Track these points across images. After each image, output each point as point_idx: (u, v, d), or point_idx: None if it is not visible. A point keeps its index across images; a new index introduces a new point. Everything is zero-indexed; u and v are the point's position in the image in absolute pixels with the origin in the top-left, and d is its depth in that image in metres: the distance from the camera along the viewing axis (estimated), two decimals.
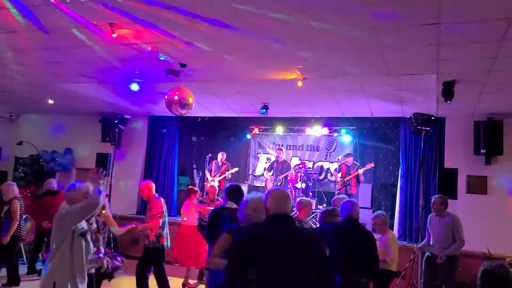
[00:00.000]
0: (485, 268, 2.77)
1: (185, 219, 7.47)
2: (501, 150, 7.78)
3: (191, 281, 7.39)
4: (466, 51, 5.03)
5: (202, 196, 8.82)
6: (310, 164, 11.22)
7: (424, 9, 4.02)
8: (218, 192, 8.77)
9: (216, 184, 9.71)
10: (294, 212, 5.85)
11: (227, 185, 10.23)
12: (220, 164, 10.14)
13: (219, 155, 10.15)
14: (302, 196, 9.68)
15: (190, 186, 8.01)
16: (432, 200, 6.44)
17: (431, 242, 6.40)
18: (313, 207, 9.42)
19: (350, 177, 9.23)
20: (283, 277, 2.56)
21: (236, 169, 10.20)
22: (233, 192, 4.62)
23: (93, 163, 10.00)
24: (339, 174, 9.50)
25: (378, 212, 6.06)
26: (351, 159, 9.55)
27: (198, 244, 7.11)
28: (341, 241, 4.41)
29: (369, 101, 7.85)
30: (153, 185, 6.36)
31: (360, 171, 9.16)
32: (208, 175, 10.24)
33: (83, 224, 3.76)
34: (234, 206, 4.48)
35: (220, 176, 9.95)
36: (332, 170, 11.00)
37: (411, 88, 6.82)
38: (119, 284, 6.32)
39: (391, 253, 5.46)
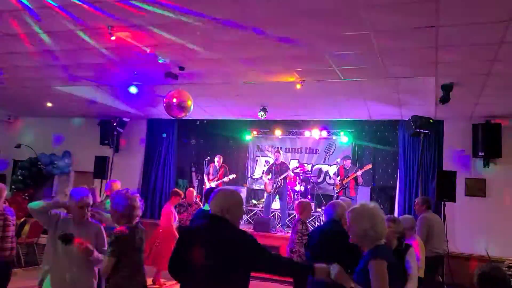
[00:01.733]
0: (482, 271, 2.79)
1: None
2: (500, 153, 7.78)
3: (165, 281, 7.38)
4: (464, 54, 5.04)
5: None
6: (308, 167, 11.21)
7: (423, 12, 4.03)
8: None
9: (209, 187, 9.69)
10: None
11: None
12: (217, 167, 10.13)
13: (216, 159, 10.14)
14: (301, 199, 9.68)
15: (175, 189, 7.98)
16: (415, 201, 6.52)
17: None
18: (312, 210, 9.41)
19: (348, 179, 9.23)
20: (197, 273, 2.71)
21: (234, 175, 10.21)
22: (209, 195, 4.85)
23: (91, 166, 9.98)
24: (338, 178, 9.51)
25: (408, 215, 5.96)
26: (349, 161, 9.55)
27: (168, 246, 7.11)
28: (319, 242, 4.37)
29: (367, 103, 7.86)
30: (116, 185, 6.08)
31: (359, 172, 9.17)
32: (205, 179, 10.22)
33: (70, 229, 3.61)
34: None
35: (217, 180, 9.94)
36: (330, 173, 10.98)
37: (409, 90, 6.83)
38: None
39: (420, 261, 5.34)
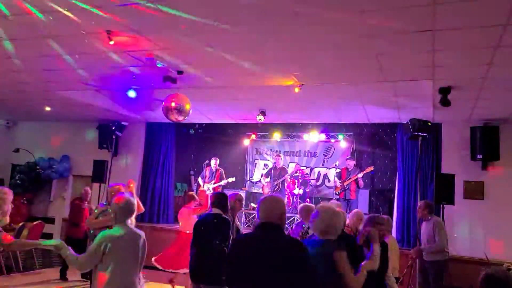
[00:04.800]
0: (488, 272, 2.78)
1: (180, 224, 7.48)
2: (498, 156, 7.80)
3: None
4: (461, 58, 5.06)
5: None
6: (307, 170, 11.22)
7: (420, 16, 4.05)
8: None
9: (209, 191, 9.67)
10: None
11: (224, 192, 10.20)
12: (214, 170, 10.13)
13: (213, 161, 10.13)
14: (300, 202, 9.67)
15: (191, 193, 7.95)
16: (418, 205, 6.51)
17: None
18: None
19: (350, 181, 9.23)
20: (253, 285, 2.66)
21: (233, 179, 10.19)
22: (218, 199, 4.79)
23: (90, 170, 9.97)
24: (339, 180, 9.50)
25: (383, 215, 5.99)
26: (352, 162, 9.54)
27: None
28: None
29: (365, 107, 7.88)
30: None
31: (360, 174, 9.18)
32: (200, 181, 10.19)
33: None
34: (218, 212, 4.63)
35: (214, 183, 9.93)
36: (329, 175, 11.00)
37: (407, 94, 6.85)
38: None
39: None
